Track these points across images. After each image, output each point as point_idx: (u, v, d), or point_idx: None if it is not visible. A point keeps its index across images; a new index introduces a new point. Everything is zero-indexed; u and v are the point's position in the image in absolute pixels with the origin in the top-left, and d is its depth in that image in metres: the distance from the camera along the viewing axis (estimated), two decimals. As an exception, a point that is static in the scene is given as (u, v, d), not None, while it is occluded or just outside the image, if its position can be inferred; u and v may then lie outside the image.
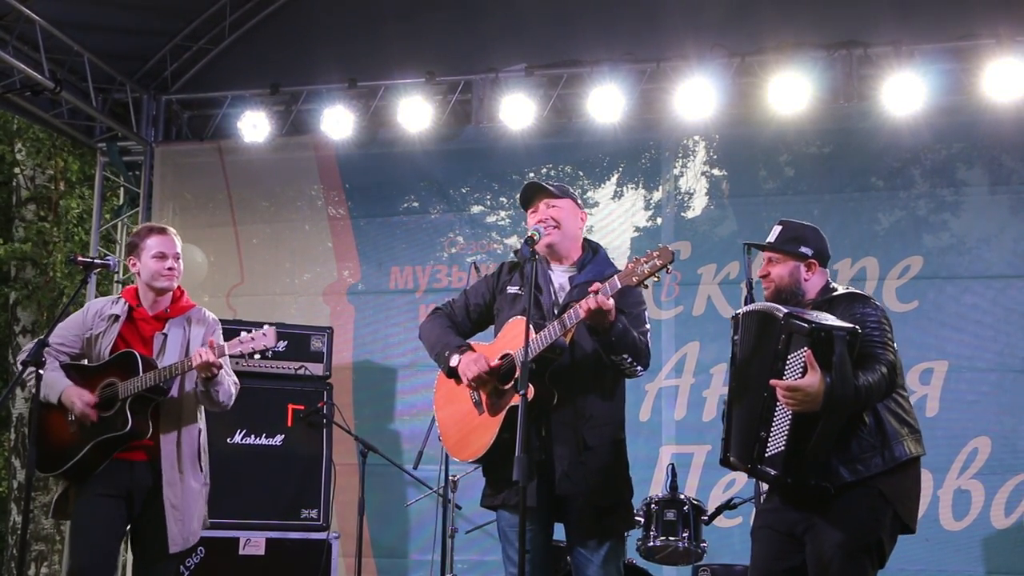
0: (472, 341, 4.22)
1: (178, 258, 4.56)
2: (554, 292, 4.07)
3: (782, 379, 3.46)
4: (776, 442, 3.51)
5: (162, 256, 4.50)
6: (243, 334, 4.39)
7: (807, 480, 3.54)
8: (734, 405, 3.76)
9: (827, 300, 3.76)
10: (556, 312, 3.97)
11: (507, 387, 3.93)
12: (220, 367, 4.32)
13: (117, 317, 4.50)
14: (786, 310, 3.54)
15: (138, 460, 4.38)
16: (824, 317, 3.53)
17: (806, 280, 3.83)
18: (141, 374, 4.29)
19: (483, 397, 4.02)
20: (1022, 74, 6.74)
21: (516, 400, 3.75)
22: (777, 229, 3.94)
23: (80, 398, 4.36)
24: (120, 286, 8.02)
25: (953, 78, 7.12)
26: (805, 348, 3.41)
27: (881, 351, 3.56)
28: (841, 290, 3.81)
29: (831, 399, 3.37)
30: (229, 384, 4.50)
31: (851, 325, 3.49)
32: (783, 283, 3.84)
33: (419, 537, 7.27)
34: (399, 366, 7.72)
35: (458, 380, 4.07)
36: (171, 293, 4.57)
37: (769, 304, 3.67)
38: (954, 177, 7.16)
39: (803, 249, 3.85)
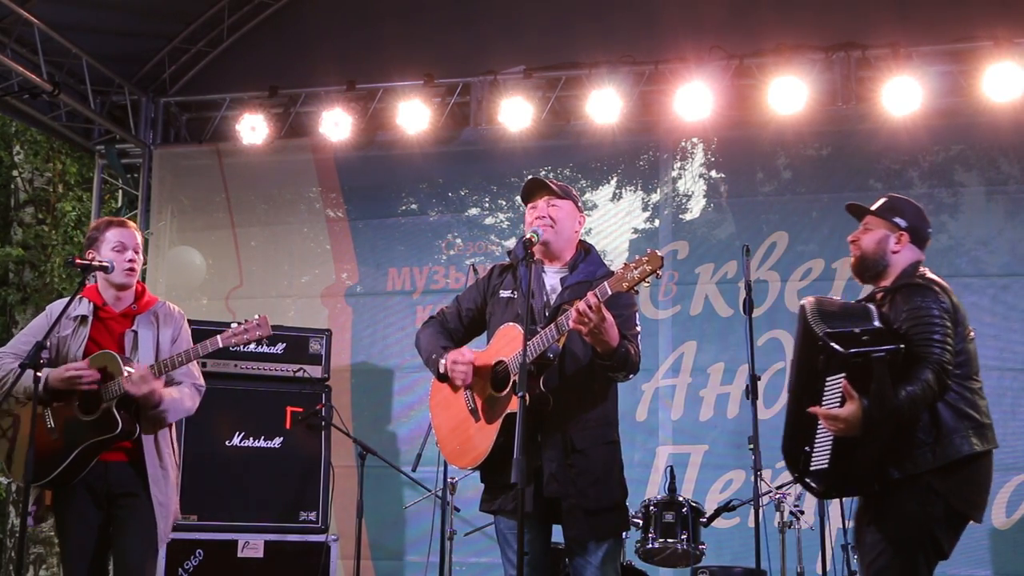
0: (466, 349, 4.20)
1: (138, 250, 4.42)
2: (546, 294, 4.06)
3: (821, 400, 3.45)
4: (820, 459, 3.53)
5: (122, 248, 4.35)
6: (234, 325, 4.29)
7: (850, 494, 3.59)
8: (790, 419, 3.76)
9: (892, 289, 3.69)
10: (547, 314, 3.96)
11: (502, 394, 3.91)
12: (159, 400, 4.21)
13: (84, 318, 4.36)
14: (827, 328, 3.45)
15: (113, 461, 4.28)
16: (867, 328, 3.46)
17: (894, 252, 3.78)
18: (125, 374, 4.18)
19: (479, 404, 4.00)
20: (1020, 76, 6.75)
21: (512, 407, 3.74)
22: (881, 200, 3.93)
23: (67, 369, 4.20)
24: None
25: (951, 80, 7.14)
26: (843, 375, 3.38)
27: (939, 350, 3.45)
28: (919, 280, 3.70)
29: (869, 423, 3.35)
30: (183, 401, 4.36)
31: (892, 345, 3.40)
32: (868, 250, 3.82)
33: (417, 539, 7.25)
34: (397, 368, 7.72)
35: (452, 386, 4.06)
36: (133, 289, 4.45)
37: (816, 308, 3.58)
38: (952, 179, 7.17)
39: (897, 219, 3.82)
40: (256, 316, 4.36)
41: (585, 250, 4.17)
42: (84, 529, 4.27)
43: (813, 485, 3.59)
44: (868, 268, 3.81)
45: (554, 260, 4.12)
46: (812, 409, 3.44)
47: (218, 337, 4.28)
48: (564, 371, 3.92)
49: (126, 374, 4.18)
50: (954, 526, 3.58)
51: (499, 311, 4.12)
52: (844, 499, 5.46)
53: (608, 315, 3.70)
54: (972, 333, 3.66)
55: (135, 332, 4.39)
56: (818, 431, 3.51)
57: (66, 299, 4.43)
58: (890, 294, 3.68)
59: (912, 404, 3.41)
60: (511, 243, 7.70)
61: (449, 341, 4.19)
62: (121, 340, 4.38)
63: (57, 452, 4.24)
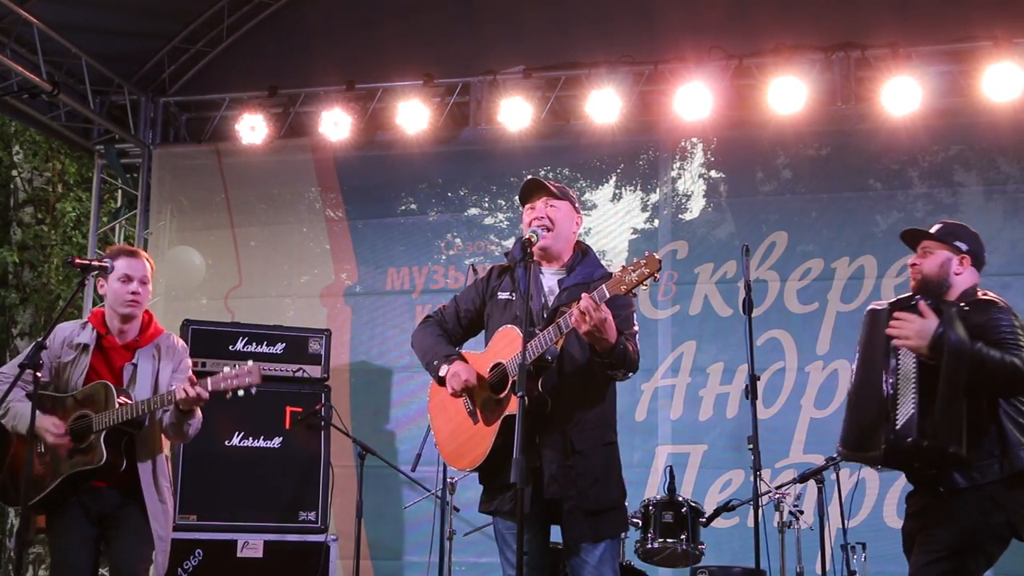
0: (463, 350, 4.20)
1: (145, 282, 4.36)
2: (544, 296, 4.06)
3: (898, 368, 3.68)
4: (905, 410, 3.63)
5: (127, 279, 4.30)
6: (226, 370, 4.24)
7: (945, 447, 3.58)
8: (854, 402, 3.92)
9: (964, 304, 3.81)
10: (545, 316, 3.96)
11: (501, 396, 3.91)
12: (206, 400, 4.20)
13: (86, 346, 4.34)
14: (887, 302, 3.74)
15: (106, 488, 4.28)
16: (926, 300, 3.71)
17: (956, 274, 3.91)
18: (116, 406, 4.17)
19: (477, 407, 4.00)
20: (1019, 76, 6.75)
21: (511, 409, 3.74)
22: (937, 225, 4.05)
23: (50, 430, 4.20)
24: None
25: (950, 80, 7.14)
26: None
27: (1016, 350, 3.62)
28: (987, 297, 3.85)
29: (941, 341, 3.54)
30: (197, 426, 4.40)
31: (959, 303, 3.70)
32: (931, 273, 3.92)
33: (417, 539, 7.25)
34: (396, 367, 7.72)
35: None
36: (139, 320, 4.41)
37: (877, 303, 3.84)
38: (951, 179, 7.18)
39: (958, 243, 3.94)
40: (249, 362, 4.30)
41: (583, 251, 4.16)
42: (77, 541, 4.26)
43: (906, 439, 3.62)
44: (931, 291, 3.89)
45: (552, 261, 4.12)
46: (896, 312, 3.69)
47: (208, 380, 4.21)
48: (562, 373, 3.92)
49: (118, 404, 4.19)
50: (1005, 540, 3.69)
51: (497, 313, 4.12)
52: (845, 500, 5.51)
53: (607, 313, 3.70)
54: None
55: (135, 365, 4.37)
56: (899, 394, 3.66)
57: (72, 324, 4.44)
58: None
59: (986, 359, 3.56)
60: (510, 243, 7.68)
61: (450, 344, 4.18)
62: (120, 372, 4.36)
63: (43, 477, 4.24)
